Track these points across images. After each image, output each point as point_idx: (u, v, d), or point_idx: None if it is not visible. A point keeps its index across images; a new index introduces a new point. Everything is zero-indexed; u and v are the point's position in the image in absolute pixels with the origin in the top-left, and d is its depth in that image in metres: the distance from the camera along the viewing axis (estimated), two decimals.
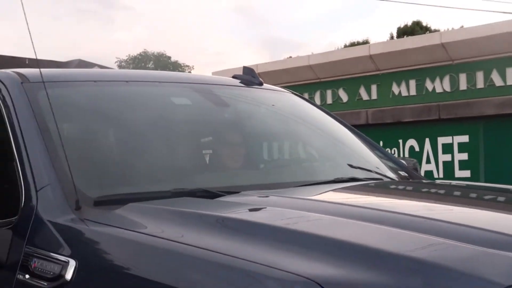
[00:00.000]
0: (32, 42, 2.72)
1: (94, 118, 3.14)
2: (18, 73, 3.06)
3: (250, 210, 2.40)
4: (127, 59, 59.05)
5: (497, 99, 7.64)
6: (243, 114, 3.64)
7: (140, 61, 58.35)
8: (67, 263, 2.13)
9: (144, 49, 61.48)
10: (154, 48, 68.60)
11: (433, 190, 3.22)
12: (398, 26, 45.65)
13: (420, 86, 8.40)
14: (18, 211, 2.47)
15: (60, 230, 2.32)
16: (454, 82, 8.16)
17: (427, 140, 8.13)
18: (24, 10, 2.76)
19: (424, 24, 44.76)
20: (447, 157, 7.97)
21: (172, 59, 59.84)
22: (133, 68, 52.61)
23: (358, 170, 3.27)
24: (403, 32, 43.56)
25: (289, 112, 3.80)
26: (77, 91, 3.21)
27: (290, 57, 24.42)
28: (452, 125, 7.91)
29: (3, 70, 3.17)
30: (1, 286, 2.42)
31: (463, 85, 8.09)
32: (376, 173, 3.31)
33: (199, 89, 3.58)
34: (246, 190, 2.69)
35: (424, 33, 37.41)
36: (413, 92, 8.41)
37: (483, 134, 7.48)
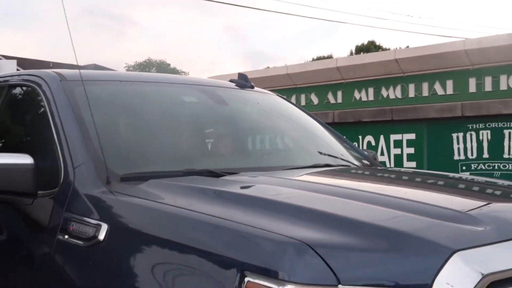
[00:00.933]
0: (74, 51, 2.80)
1: (119, 110, 3.11)
2: (57, 73, 3.04)
3: (248, 186, 2.41)
4: (134, 65, 58.46)
5: (438, 105, 7.73)
6: (238, 110, 3.65)
7: (145, 67, 57.73)
8: (100, 226, 2.13)
9: (148, 57, 60.75)
10: (156, 56, 68.17)
11: (391, 175, 3.30)
12: (356, 44, 45.82)
13: (377, 93, 8.47)
14: (58, 185, 2.47)
15: (93, 200, 2.32)
16: (404, 91, 8.24)
17: (381, 136, 8.20)
18: (68, 26, 2.77)
19: (377, 43, 44.89)
20: (398, 151, 8.06)
21: (171, 66, 59.32)
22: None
23: (331, 158, 3.31)
24: (360, 49, 43.61)
25: (275, 110, 3.85)
26: (107, 88, 3.19)
27: (268, 67, 24.39)
28: (402, 125, 7.99)
29: (44, 70, 3.15)
30: (43, 245, 2.40)
31: (411, 93, 8.16)
32: (345, 160, 3.35)
33: (204, 90, 3.56)
34: (243, 172, 2.69)
35: (377, 51, 37.56)
36: (371, 97, 8.48)
37: (426, 133, 7.56)
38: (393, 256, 1.60)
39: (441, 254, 1.55)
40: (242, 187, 2.38)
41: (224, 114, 3.52)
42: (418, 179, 3.05)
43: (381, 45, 44.70)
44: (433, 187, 2.75)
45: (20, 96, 3.32)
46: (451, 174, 3.47)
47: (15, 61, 10.52)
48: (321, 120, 3.94)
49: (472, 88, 7.55)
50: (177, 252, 1.89)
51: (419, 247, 1.61)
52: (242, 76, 3.88)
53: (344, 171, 3.14)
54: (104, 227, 2.12)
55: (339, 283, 1.50)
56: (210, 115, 3.47)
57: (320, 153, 3.40)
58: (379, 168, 3.69)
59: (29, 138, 3.14)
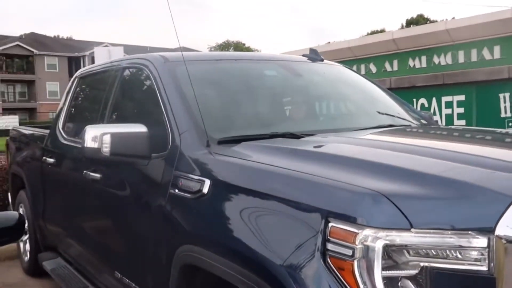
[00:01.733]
0: (177, 38, 2.77)
1: (213, 85, 3.10)
2: (161, 55, 3.07)
3: (325, 145, 2.37)
4: (215, 46, 58.79)
5: (486, 69, 7.34)
6: (311, 81, 3.57)
7: (224, 47, 57.95)
8: (204, 181, 2.17)
9: (227, 39, 61.17)
10: (233, 37, 68.26)
11: (448, 132, 3.12)
12: (406, 18, 43.93)
13: (429, 60, 8.14)
14: (167, 148, 2.52)
15: (197, 160, 2.35)
16: (455, 57, 7.87)
17: (434, 99, 7.85)
18: (172, 18, 2.80)
19: (425, 16, 42.81)
20: (448, 111, 7.70)
21: (246, 45, 59.20)
22: None
23: (393, 119, 3.21)
24: (410, 22, 41.83)
25: (343, 79, 3.75)
26: (202, 67, 3.18)
27: (329, 42, 23.89)
28: (453, 88, 7.62)
29: (150, 54, 3.21)
30: (158, 197, 2.46)
31: (461, 59, 7.79)
32: (406, 120, 3.27)
33: (282, 64, 3.55)
34: (319, 133, 2.63)
35: (426, 23, 35.79)
36: (424, 65, 8.17)
37: (475, 94, 7.20)
38: (459, 203, 1.56)
39: (503, 201, 1.50)
40: (321, 146, 2.34)
41: (300, 84, 3.47)
42: (474, 135, 2.92)
43: (429, 17, 42.63)
44: (488, 142, 2.63)
45: (132, 76, 3.39)
46: (499, 130, 3.30)
47: (122, 48, 10.83)
48: (382, 86, 3.84)
49: None
50: (270, 201, 1.89)
51: (483, 195, 1.56)
52: (313, 51, 3.78)
53: (406, 130, 3.05)
54: (207, 182, 2.14)
55: (412, 226, 1.48)
56: (288, 85, 3.43)
57: (383, 113, 3.28)
58: (436, 126, 3.56)
59: (141, 110, 3.16)
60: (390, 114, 3.28)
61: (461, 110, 7.53)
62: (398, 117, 3.28)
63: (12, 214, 2.20)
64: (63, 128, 4.18)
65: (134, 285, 2.76)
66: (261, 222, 1.89)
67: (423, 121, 3.42)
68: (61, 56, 61.20)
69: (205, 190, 2.13)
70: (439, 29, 7.87)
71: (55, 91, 58.85)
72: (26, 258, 4.98)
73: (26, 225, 4.71)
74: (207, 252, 2.05)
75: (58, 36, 71.13)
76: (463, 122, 7.53)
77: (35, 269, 4.74)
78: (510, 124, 7.05)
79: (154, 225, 2.48)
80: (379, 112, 3.32)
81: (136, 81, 3.33)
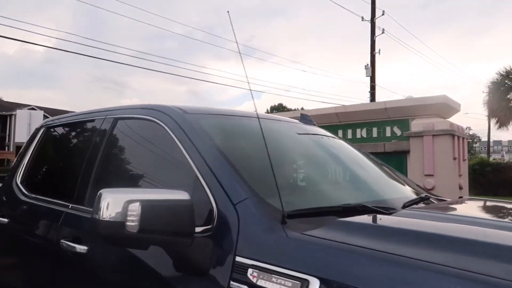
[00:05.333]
0: (252, 97, 1.65)
1: (248, 144, 1.90)
2: (177, 106, 1.95)
3: (433, 224, 1.44)
4: None
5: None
6: (330, 145, 2.38)
7: None
8: (307, 281, 1.15)
9: None
10: None
11: (477, 206, 2.07)
12: (270, 105, 46.83)
13: None
14: (211, 221, 1.43)
15: (279, 243, 1.28)
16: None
17: None
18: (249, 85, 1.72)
19: (284, 105, 46.04)
20: None
21: None
22: None
23: (419, 190, 2.24)
24: (273, 108, 44.56)
25: (343, 145, 2.53)
26: (225, 121, 2.07)
27: None
28: None
29: (161, 104, 2.05)
30: None
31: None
32: (433, 193, 2.32)
33: (290, 125, 2.39)
34: (391, 205, 1.66)
35: (284, 110, 38.27)
36: None
37: None
38: None
39: None
40: (435, 226, 1.39)
41: (327, 148, 2.34)
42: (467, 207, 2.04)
43: (286, 106, 45.86)
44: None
45: (131, 129, 2.12)
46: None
47: (42, 112, 9.86)
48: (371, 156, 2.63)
49: (340, 135, 7.76)
50: None
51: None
52: (304, 115, 2.74)
53: (462, 203, 2.19)
54: (315, 282, 1.13)
55: None
56: (321, 148, 2.30)
57: (410, 185, 2.29)
58: (467, 199, 2.50)
59: (151, 169, 1.88)
60: (417, 186, 2.32)
61: None
62: (419, 188, 2.31)
63: None
64: (22, 183, 2.72)
65: None
66: None
67: (425, 194, 2.30)
68: None
69: None
70: (295, 115, 8.30)
71: None
72: None
73: None
74: None
75: None
76: None
77: None
78: None
79: None
80: (413, 185, 2.30)
81: (139, 135, 2.08)
